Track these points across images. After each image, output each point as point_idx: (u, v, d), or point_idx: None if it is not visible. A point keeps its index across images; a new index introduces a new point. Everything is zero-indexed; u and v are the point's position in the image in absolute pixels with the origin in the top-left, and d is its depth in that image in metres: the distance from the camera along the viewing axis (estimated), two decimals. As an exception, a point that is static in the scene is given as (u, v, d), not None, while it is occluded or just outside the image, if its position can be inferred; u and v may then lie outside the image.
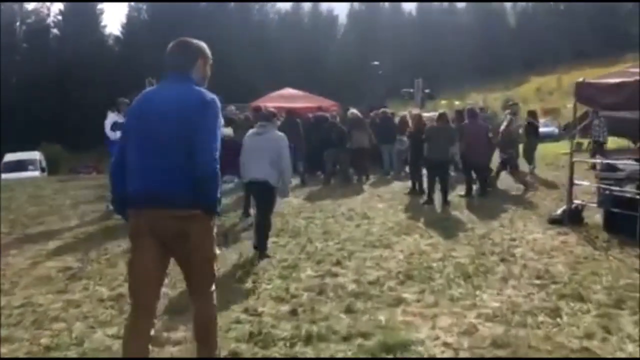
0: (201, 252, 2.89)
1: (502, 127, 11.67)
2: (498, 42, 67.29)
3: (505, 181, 11.57)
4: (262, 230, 6.31)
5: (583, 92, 7.75)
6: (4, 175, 20.80)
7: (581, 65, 54.06)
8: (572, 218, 7.74)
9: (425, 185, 10.32)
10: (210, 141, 2.78)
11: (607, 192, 7.29)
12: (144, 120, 2.87)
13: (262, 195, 6.31)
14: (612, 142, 18.55)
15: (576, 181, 8.19)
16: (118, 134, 8.66)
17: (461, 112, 12.69)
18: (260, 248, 6.24)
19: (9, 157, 26.16)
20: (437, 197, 9.81)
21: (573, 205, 7.90)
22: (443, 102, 39.11)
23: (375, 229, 7.71)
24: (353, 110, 14.02)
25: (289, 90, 17.85)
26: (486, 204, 9.56)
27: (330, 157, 12.63)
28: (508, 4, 78.25)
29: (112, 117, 9.79)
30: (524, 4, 78.34)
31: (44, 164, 26.32)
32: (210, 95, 2.87)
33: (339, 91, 43.14)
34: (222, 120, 2.94)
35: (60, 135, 44.76)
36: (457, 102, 40.70)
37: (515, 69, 60.34)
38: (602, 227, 7.30)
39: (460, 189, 10.65)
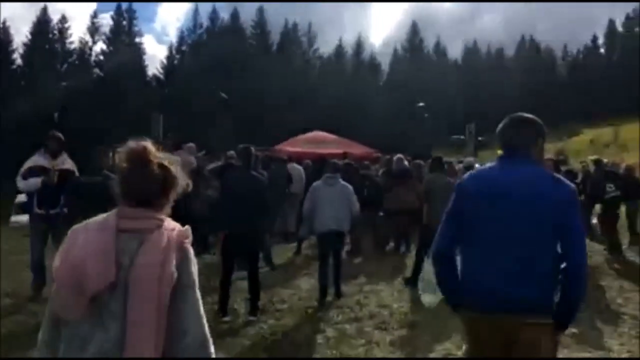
0: None
1: None
2: (548, 92, 64.79)
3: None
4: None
5: None
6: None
7: (636, 117, 51.38)
8: None
9: None
10: (583, 239, 2.62)
11: None
12: (494, 204, 2.57)
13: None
14: None
15: None
16: (32, 182, 6.49)
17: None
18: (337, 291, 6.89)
19: None
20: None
21: None
22: (500, 151, 36.58)
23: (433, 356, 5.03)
24: (399, 156, 10.96)
25: (318, 133, 15.80)
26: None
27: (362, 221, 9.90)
28: (558, 54, 76.12)
29: (33, 160, 6.73)
30: (574, 54, 76.24)
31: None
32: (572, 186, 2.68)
33: (381, 138, 41.41)
34: None
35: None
36: (499, 152, 38.17)
37: (567, 120, 57.48)
38: None
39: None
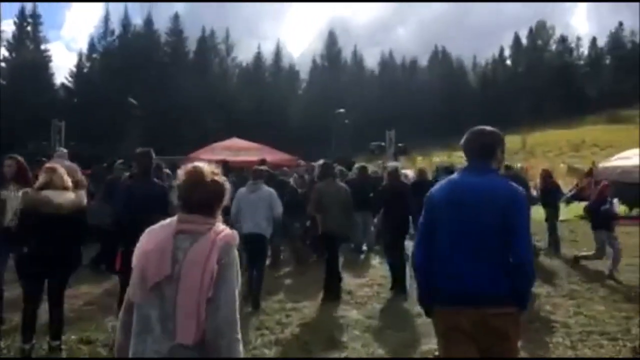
0: (515, 352, 2.85)
1: None
2: (459, 101, 67.24)
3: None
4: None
5: None
6: None
7: (543, 126, 54.35)
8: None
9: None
10: (527, 238, 2.81)
11: None
12: (457, 211, 2.83)
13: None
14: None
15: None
16: None
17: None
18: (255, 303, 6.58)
19: None
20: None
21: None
22: (419, 157, 37.12)
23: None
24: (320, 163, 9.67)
25: (235, 141, 15.10)
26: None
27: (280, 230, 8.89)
28: (469, 65, 79.36)
29: None
30: (482, 64, 79.78)
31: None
32: (521, 190, 2.88)
33: (302, 145, 41.16)
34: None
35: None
36: (419, 158, 38.82)
37: (477, 128, 59.76)
38: None
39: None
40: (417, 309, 6.45)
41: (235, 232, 2.28)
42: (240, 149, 14.18)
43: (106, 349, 4.94)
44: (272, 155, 14.20)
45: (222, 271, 2.14)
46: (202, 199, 2.25)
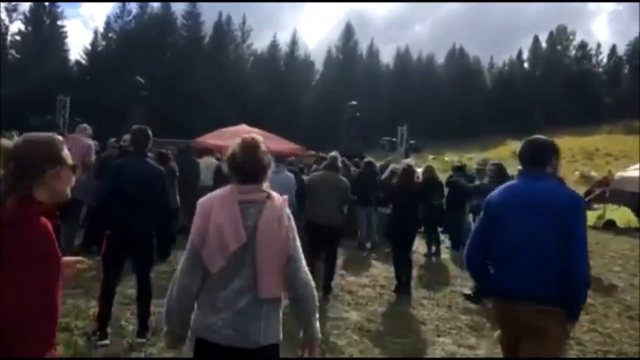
0: (555, 353, 2.96)
1: None
2: (474, 101, 66.39)
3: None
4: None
5: None
6: None
7: (557, 131, 53.60)
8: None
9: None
10: (584, 245, 2.94)
11: None
12: (516, 214, 3.01)
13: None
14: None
15: None
16: None
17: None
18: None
19: None
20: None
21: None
22: (431, 156, 36.58)
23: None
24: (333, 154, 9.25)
25: (244, 127, 14.68)
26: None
27: None
28: (485, 65, 78.49)
29: None
30: (500, 66, 78.87)
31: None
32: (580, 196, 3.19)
33: (312, 135, 40.76)
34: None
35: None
36: (430, 157, 38.29)
37: (490, 130, 59.00)
38: None
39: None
40: (422, 314, 6.14)
41: (286, 197, 2.53)
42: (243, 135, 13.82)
43: (84, 338, 4.61)
44: (280, 144, 13.81)
45: (292, 233, 2.45)
46: (258, 169, 2.42)
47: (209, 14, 67.70)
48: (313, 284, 2.52)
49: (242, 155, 2.42)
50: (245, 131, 15.63)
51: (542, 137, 3.30)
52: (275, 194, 2.46)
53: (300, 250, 2.48)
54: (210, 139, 14.33)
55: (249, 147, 2.45)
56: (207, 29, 67.37)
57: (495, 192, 3.26)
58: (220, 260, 2.32)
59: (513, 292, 2.94)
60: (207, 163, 10.18)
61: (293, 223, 2.48)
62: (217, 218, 2.33)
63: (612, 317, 6.61)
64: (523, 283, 2.91)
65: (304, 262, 2.49)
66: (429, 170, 10.13)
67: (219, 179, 8.50)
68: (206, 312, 2.36)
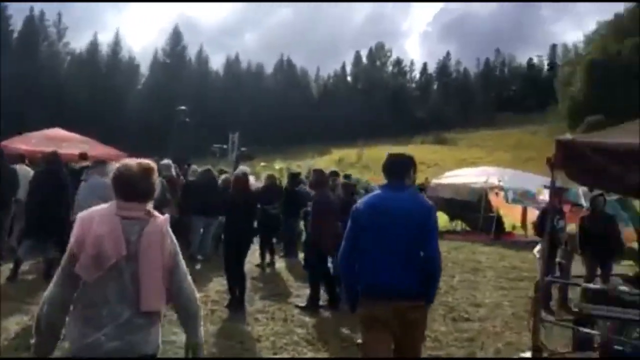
0: (421, 339, 3.71)
1: None
2: (301, 110, 68.44)
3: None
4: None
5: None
6: None
7: (377, 141, 57.37)
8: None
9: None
10: (436, 239, 3.46)
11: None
12: (379, 219, 3.37)
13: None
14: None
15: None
16: None
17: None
18: None
19: None
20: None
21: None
22: (263, 163, 36.51)
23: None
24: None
25: (59, 131, 13.34)
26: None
27: None
28: (312, 76, 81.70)
29: None
30: (325, 78, 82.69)
31: None
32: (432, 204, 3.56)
33: (142, 140, 38.83)
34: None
35: None
36: (262, 164, 38.53)
37: (317, 139, 61.32)
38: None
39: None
40: (257, 330, 5.87)
41: (167, 216, 2.62)
42: (63, 140, 12.48)
43: None
44: (98, 149, 12.70)
45: (175, 248, 2.57)
46: (145, 190, 2.53)
47: (18, 7, 61.44)
48: (196, 294, 2.67)
49: (140, 177, 2.52)
50: (61, 135, 14.26)
51: (402, 153, 3.76)
52: (156, 213, 2.56)
53: (183, 263, 2.60)
54: (18, 143, 12.67)
55: (148, 170, 2.56)
56: (16, 23, 61.04)
57: (361, 201, 3.58)
58: (95, 270, 2.34)
59: (386, 291, 3.29)
60: (21, 172, 8.43)
61: (174, 239, 2.59)
62: (97, 230, 2.38)
63: (438, 319, 6.64)
64: (402, 284, 3.28)
65: (187, 275, 2.62)
66: (270, 177, 10.07)
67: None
68: (86, 331, 2.36)
